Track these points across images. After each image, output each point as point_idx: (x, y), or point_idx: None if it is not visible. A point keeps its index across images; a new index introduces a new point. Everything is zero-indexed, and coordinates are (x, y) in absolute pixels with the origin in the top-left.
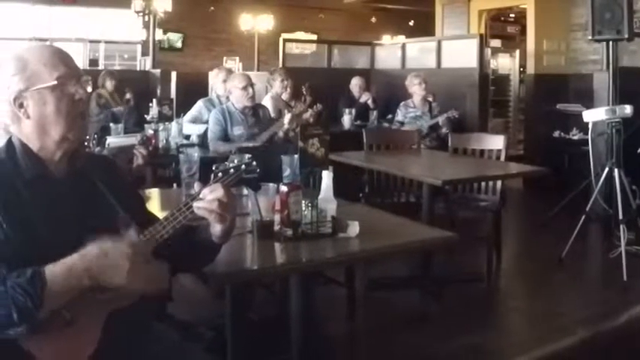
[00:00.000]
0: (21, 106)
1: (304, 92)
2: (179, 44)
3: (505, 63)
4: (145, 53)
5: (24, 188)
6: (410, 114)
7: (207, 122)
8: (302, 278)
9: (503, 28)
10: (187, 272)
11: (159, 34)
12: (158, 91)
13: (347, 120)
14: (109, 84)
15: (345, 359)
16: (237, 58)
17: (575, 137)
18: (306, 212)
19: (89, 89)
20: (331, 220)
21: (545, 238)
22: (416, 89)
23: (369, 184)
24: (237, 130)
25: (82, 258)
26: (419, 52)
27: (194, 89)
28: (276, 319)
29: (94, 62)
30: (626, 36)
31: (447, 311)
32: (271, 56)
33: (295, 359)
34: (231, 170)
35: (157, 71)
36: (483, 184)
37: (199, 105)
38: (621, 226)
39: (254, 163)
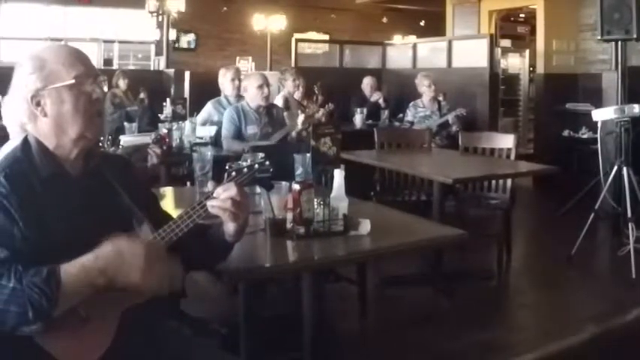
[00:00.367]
0: (38, 104)
1: (316, 91)
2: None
3: (515, 63)
4: (158, 53)
5: (40, 186)
6: (419, 113)
7: (217, 123)
8: (314, 276)
9: (513, 28)
10: (201, 270)
11: (172, 34)
12: (172, 91)
13: (358, 119)
14: (123, 83)
15: (357, 356)
16: (250, 58)
17: (585, 136)
18: (318, 210)
19: (105, 89)
20: (343, 218)
21: (554, 236)
22: (425, 90)
23: (380, 183)
24: (251, 129)
25: (96, 258)
26: (430, 51)
27: (207, 89)
28: (288, 316)
29: (108, 62)
30: (635, 36)
31: (457, 308)
32: (284, 56)
33: (307, 356)
34: (245, 169)
35: (171, 71)
36: (494, 182)
37: (208, 107)
38: (630, 224)
39: (267, 162)
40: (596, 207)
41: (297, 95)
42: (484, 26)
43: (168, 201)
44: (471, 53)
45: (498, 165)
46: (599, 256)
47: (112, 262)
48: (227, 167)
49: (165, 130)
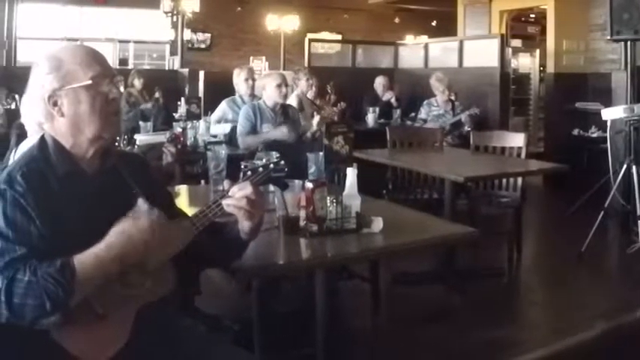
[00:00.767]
0: (55, 104)
1: (329, 91)
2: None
3: (525, 62)
4: (173, 53)
5: (56, 184)
6: (433, 112)
7: (231, 122)
8: (327, 273)
9: (523, 28)
10: (216, 267)
11: (187, 34)
12: (186, 90)
13: (371, 118)
14: (138, 82)
15: (369, 352)
16: (264, 58)
17: (594, 135)
18: (331, 208)
19: (122, 89)
20: (355, 215)
21: (564, 234)
22: (439, 93)
23: (392, 181)
24: (266, 128)
25: (108, 246)
26: (441, 51)
27: (221, 88)
28: (301, 312)
29: (123, 62)
30: None
31: (469, 305)
32: (297, 56)
33: (320, 352)
34: (260, 169)
35: (185, 70)
36: (504, 180)
37: (223, 105)
38: (639, 222)
39: (282, 162)
40: (606, 205)
41: (311, 95)
42: (495, 26)
43: (183, 199)
44: (482, 53)
45: (509, 163)
46: (608, 254)
47: (123, 246)
48: (242, 166)
49: (179, 129)
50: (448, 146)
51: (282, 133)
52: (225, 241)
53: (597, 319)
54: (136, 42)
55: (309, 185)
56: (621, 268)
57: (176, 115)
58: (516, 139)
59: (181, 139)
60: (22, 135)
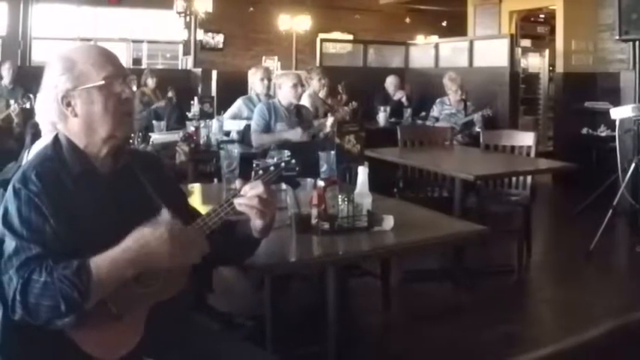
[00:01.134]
0: (68, 104)
1: (340, 90)
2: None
3: (535, 62)
4: (186, 53)
5: (71, 184)
6: (445, 111)
7: (246, 119)
8: (338, 270)
9: (533, 28)
10: (228, 265)
11: (200, 34)
12: (199, 90)
13: (382, 117)
14: (151, 82)
15: (380, 349)
16: (276, 58)
17: (603, 134)
18: (342, 206)
19: (134, 88)
20: (367, 214)
21: (573, 232)
22: (451, 92)
23: (403, 180)
24: (280, 126)
25: (123, 251)
26: (452, 51)
27: (234, 87)
28: (313, 309)
29: (137, 61)
30: None
31: (478, 302)
32: (309, 56)
33: (331, 349)
34: (272, 168)
35: (198, 70)
36: (514, 179)
37: (239, 103)
38: None
39: (293, 161)
40: (615, 203)
41: (322, 94)
42: (505, 26)
43: (196, 197)
44: (492, 53)
45: (519, 162)
46: (617, 251)
47: (140, 253)
48: (254, 165)
49: (192, 128)
50: (458, 145)
51: (294, 134)
52: (237, 240)
53: (605, 316)
54: (149, 42)
55: (321, 184)
56: (629, 266)
57: (189, 115)
58: (526, 138)
59: (194, 138)
60: (37, 134)
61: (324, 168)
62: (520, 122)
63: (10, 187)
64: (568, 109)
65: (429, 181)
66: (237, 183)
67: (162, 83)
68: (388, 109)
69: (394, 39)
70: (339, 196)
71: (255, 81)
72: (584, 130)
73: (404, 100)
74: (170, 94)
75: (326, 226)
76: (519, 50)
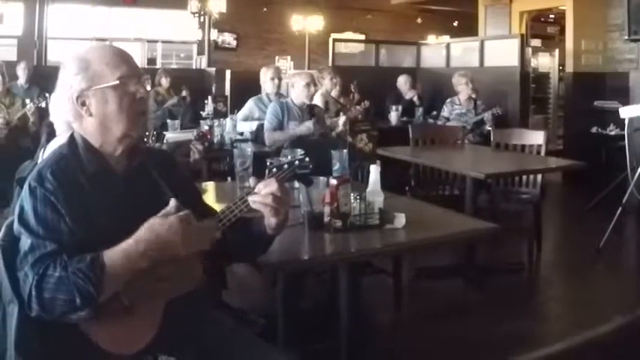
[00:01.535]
0: (83, 104)
1: (353, 90)
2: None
3: (545, 62)
4: (200, 52)
5: (86, 182)
6: (455, 110)
7: (258, 119)
8: (350, 268)
9: (543, 28)
10: (242, 262)
11: (214, 34)
12: (213, 89)
13: (394, 116)
14: (165, 81)
15: (391, 346)
16: (289, 57)
17: (612, 133)
18: (354, 204)
19: (148, 88)
20: (379, 212)
21: (583, 230)
22: (462, 88)
23: (414, 178)
24: (293, 125)
25: (136, 242)
26: (463, 51)
27: (248, 87)
28: (325, 306)
29: (151, 61)
30: None
31: (489, 299)
32: (321, 55)
33: (343, 345)
34: (285, 166)
35: (212, 70)
36: (524, 177)
37: (250, 104)
38: None
39: (307, 159)
40: (624, 201)
41: (335, 93)
42: (515, 26)
43: (210, 195)
44: (503, 53)
45: (529, 161)
46: (626, 249)
47: (152, 244)
48: (268, 163)
49: (206, 127)
50: (469, 144)
51: (307, 128)
52: (251, 236)
53: (615, 313)
54: (164, 42)
55: (334, 182)
56: (638, 264)
57: (203, 114)
58: (536, 137)
59: (208, 136)
60: (53, 133)
61: (336, 166)
62: (530, 121)
63: (25, 186)
64: (578, 108)
65: (440, 180)
66: (251, 181)
67: (176, 83)
68: (400, 108)
69: (406, 39)
70: (352, 195)
71: (265, 80)
72: (594, 129)
73: (415, 99)
74: (184, 92)
75: (338, 224)
76: (529, 50)
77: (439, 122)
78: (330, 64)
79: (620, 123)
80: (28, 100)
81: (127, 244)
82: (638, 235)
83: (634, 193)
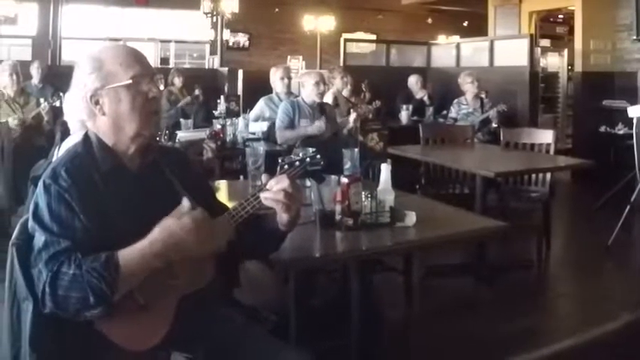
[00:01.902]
0: (97, 103)
1: (364, 89)
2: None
3: (554, 62)
4: (213, 52)
5: (100, 180)
6: (462, 110)
7: (269, 119)
8: (361, 265)
9: (552, 28)
10: (254, 259)
11: (226, 34)
12: (226, 88)
13: (404, 115)
14: (177, 81)
15: (402, 343)
16: (301, 57)
17: (621, 132)
18: (365, 203)
19: (161, 87)
20: (389, 210)
21: (592, 228)
22: (468, 87)
23: (425, 176)
24: (304, 123)
25: (151, 243)
26: (473, 51)
27: (260, 86)
28: (336, 304)
29: (165, 61)
30: None
31: (499, 297)
32: (333, 55)
33: (354, 342)
34: (297, 163)
35: (225, 69)
36: (533, 176)
37: (261, 104)
38: None
39: (318, 156)
40: (632, 200)
41: (346, 92)
42: (524, 27)
43: (222, 193)
44: (512, 52)
45: (538, 159)
46: (634, 246)
47: (166, 243)
48: (279, 161)
49: (219, 126)
50: (479, 143)
51: (318, 127)
52: (264, 233)
53: (623, 310)
54: (176, 42)
55: (345, 180)
56: None
57: (215, 113)
58: (545, 136)
59: (221, 135)
60: (67, 131)
61: (347, 165)
62: (539, 120)
63: (40, 183)
64: (586, 107)
65: (450, 178)
66: (263, 178)
67: (189, 82)
68: (410, 107)
69: (416, 39)
70: (363, 193)
71: (275, 80)
72: (602, 128)
73: (426, 98)
74: (197, 91)
75: (349, 222)
76: (539, 50)
77: (447, 123)
78: (341, 63)
79: (628, 122)
80: (42, 100)
81: (142, 244)
82: None
83: None
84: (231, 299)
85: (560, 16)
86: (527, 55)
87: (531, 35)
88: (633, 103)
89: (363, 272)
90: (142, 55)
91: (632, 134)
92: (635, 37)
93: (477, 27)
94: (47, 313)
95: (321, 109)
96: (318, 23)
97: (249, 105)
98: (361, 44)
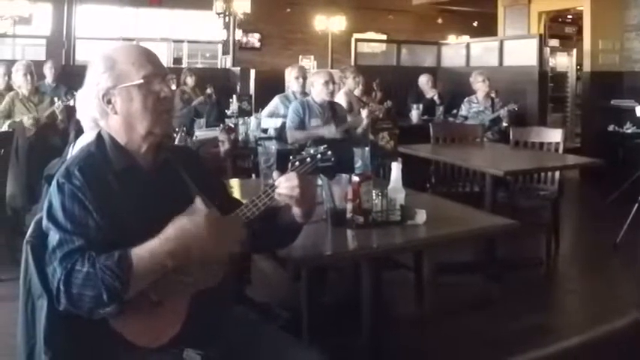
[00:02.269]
0: (109, 102)
1: (375, 88)
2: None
3: (563, 61)
4: (225, 52)
5: (113, 179)
6: (473, 109)
7: (283, 117)
8: (372, 263)
9: (561, 28)
10: (270, 251)
11: (238, 34)
12: (238, 88)
13: (415, 115)
14: (190, 80)
15: (413, 340)
16: (312, 57)
17: (629, 131)
18: (376, 201)
19: (174, 87)
20: (400, 208)
21: (600, 226)
22: (480, 86)
23: (435, 175)
24: (314, 122)
25: (164, 242)
26: (482, 51)
27: (272, 86)
28: (347, 301)
29: (177, 61)
30: None
31: (508, 294)
32: (344, 55)
33: (365, 339)
34: (308, 159)
35: (237, 69)
36: (542, 174)
37: (276, 101)
38: None
39: (329, 152)
40: None
41: (358, 92)
42: (534, 27)
43: (235, 192)
44: (522, 52)
45: (547, 158)
46: None
47: (179, 243)
48: (291, 158)
49: (231, 125)
50: (488, 142)
51: (329, 131)
52: (280, 225)
53: (632, 306)
54: (189, 42)
55: (356, 179)
56: None
57: (228, 112)
58: (554, 135)
59: (234, 130)
60: (81, 130)
61: (358, 164)
62: (548, 119)
63: (54, 182)
64: (595, 106)
65: (460, 177)
66: (275, 174)
67: (201, 82)
68: (421, 106)
69: (426, 39)
70: (374, 191)
71: (290, 79)
72: (611, 127)
73: (436, 98)
74: (209, 90)
75: (360, 220)
76: (548, 50)
77: (457, 121)
78: (352, 63)
79: (636, 121)
80: (55, 99)
81: (155, 242)
82: None
83: None
84: (243, 296)
85: (569, 16)
86: (537, 55)
87: (540, 35)
88: None
89: (374, 270)
90: (155, 55)
91: (639, 133)
92: None
93: (487, 27)
94: (61, 311)
95: (331, 108)
96: (330, 23)
97: (261, 104)
98: (372, 44)
